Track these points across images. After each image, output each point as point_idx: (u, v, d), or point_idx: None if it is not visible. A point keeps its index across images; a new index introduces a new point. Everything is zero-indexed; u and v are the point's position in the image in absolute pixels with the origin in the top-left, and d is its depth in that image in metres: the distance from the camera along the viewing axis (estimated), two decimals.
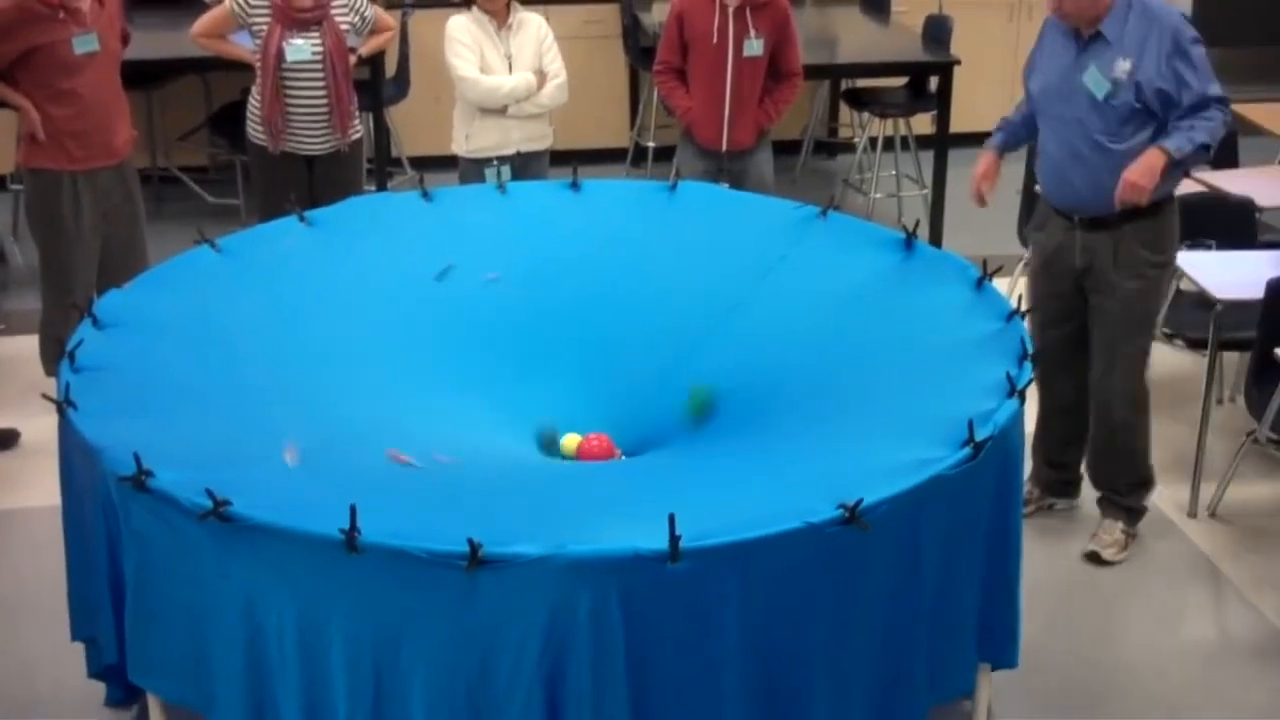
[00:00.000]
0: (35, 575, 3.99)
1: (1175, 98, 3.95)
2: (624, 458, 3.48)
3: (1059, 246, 4.22)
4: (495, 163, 5.26)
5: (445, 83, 5.38)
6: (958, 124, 6.67)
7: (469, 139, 5.30)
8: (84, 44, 4.72)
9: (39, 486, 4.41)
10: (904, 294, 3.58)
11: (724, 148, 5.37)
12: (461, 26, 5.24)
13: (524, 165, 5.28)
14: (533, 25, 5.31)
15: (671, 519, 2.46)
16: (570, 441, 3.48)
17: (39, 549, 4.05)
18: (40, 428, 4.71)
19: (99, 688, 3.37)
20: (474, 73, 5.19)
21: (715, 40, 5.25)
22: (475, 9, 5.22)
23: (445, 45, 5.24)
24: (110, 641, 3.01)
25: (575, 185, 4.09)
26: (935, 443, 2.84)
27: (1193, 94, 3.94)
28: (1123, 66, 3.95)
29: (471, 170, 5.33)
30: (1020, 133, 4.39)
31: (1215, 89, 3.98)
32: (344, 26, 5.27)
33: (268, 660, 2.70)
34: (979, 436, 2.81)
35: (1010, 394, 3.02)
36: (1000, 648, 3.19)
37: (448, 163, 5.44)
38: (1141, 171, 3.96)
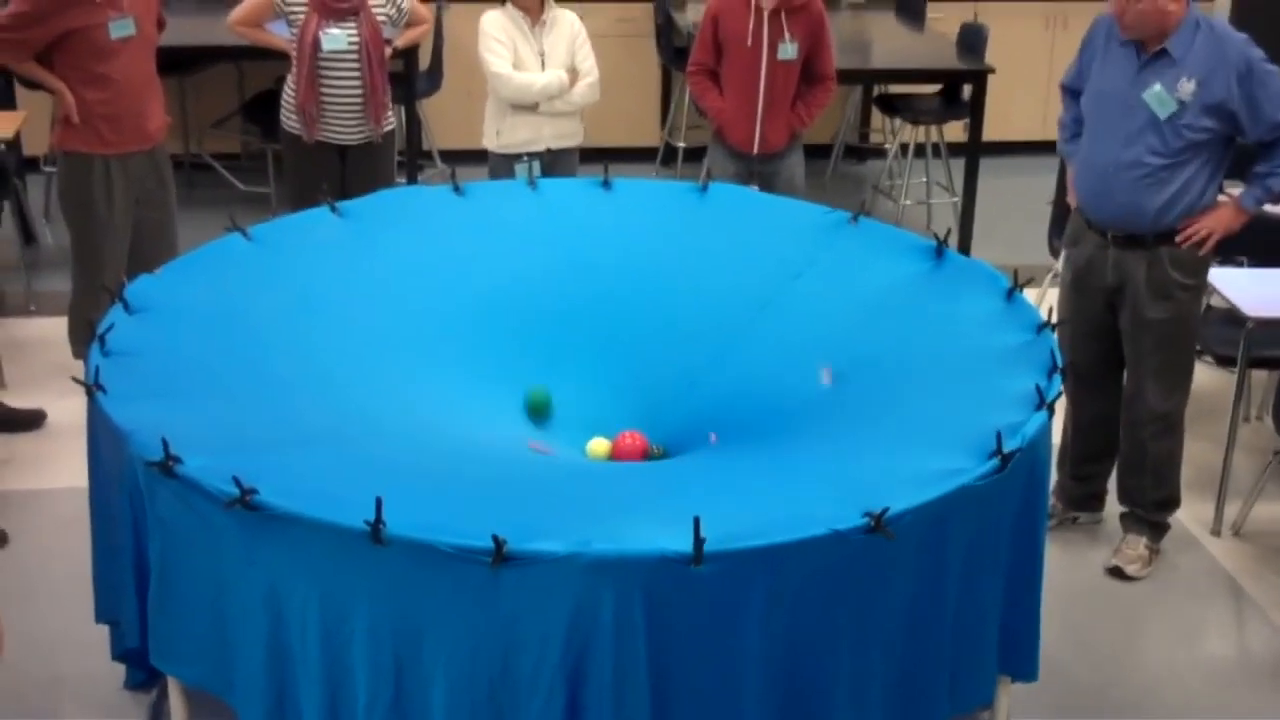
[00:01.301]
0: (61, 556, 4.01)
1: (1244, 123, 3.92)
2: (660, 452, 3.47)
3: (1091, 262, 4.21)
4: (525, 158, 5.27)
5: (478, 77, 5.39)
6: (990, 133, 6.66)
7: (500, 134, 5.31)
8: (120, 28, 4.74)
9: (65, 468, 4.44)
10: (933, 302, 3.57)
11: (755, 150, 5.36)
12: (495, 22, 5.25)
13: (554, 162, 5.29)
14: (566, 22, 5.32)
15: (696, 522, 2.46)
16: (599, 445, 3.48)
17: (65, 530, 4.07)
18: (67, 409, 4.74)
19: (122, 669, 3.39)
20: (507, 69, 5.19)
21: (750, 43, 5.24)
22: (510, 5, 5.23)
23: (479, 40, 5.25)
24: (133, 624, 3.02)
25: (606, 183, 4.08)
26: (963, 453, 2.83)
27: (1267, 120, 3.90)
28: (1188, 87, 3.90)
29: (501, 165, 5.34)
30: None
31: None
32: (380, 18, 5.28)
33: (289, 648, 2.70)
34: (1007, 448, 2.80)
35: (1039, 406, 3.01)
36: (1021, 660, 3.18)
37: (478, 157, 5.45)
38: (1213, 224, 4.01)
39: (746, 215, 4.02)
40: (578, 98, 5.29)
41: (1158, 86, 3.94)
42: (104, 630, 3.32)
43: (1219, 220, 4.06)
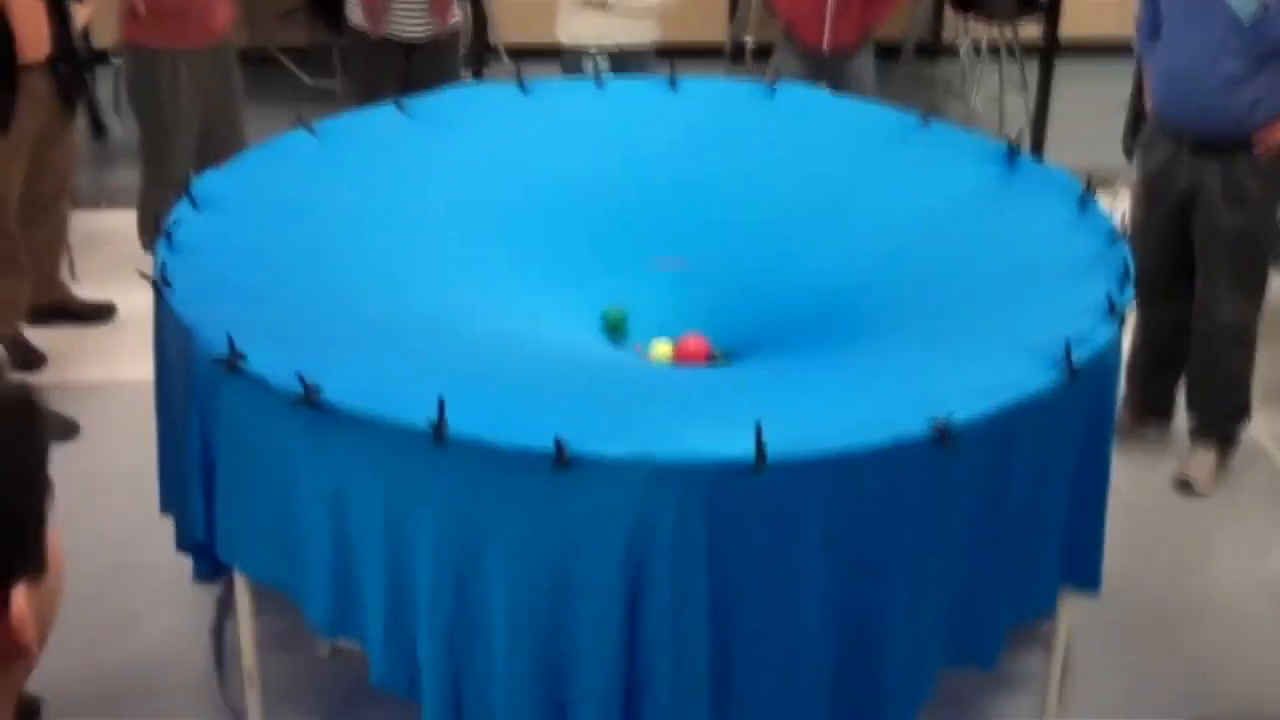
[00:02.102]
0: (130, 449, 4.05)
1: None
2: (719, 359, 3.45)
3: (1165, 167, 4.12)
4: (594, 53, 5.19)
5: None
6: (1066, 31, 6.49)
7: (570, 25, 5.24)
8: None
9: (133, 361, 4.47)
10: (1005, 209, 3.50)
11: (826, 47, 5.26)
12: None
13: (624, 60, 5.20)
14: None
15: (758, 429, 2.44)
16: (662, 348, 3.46)
17: (134, 422, 4.11)
18: (136, 302, 4.76)
19: (189, 561, 3.44)
20: None
21: None
22: None
23: None
24: (199, 519, 3.05)
25: (673, 82, 4.03)
26: (1031, 363, 2.79)
27: None
28: None
29: (571, 61, 5.27)
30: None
31: None
32: None
33: (353, 546, 2.73)
34: (1076, 359, 2.76)
35: (1110, 315, 2.95)
36: (1084, 571, 3.15)
37: (547, 54, 5.39)
38: None
39: (815, 117, 3.95)
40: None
41: None
42: (171, 523, 3.36)
43: None
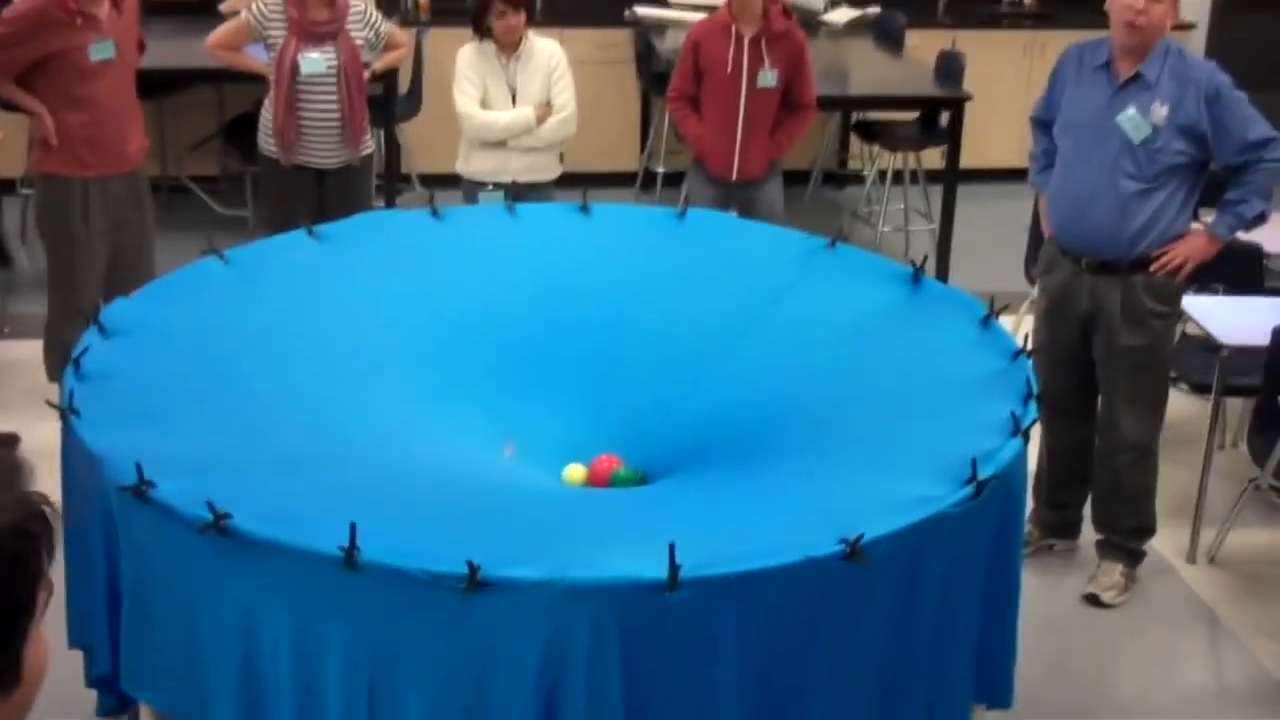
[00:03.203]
0: None
1: (1213, 146, 3.96)
2: (636, 476, 3.45)
3: (1066, 289, 4.23)
4: (490, 188, 5.24)
5: None
6: (968, 159, 6.70)
7: (468, 161, 5.31)
8: (100, 51, 4.73)
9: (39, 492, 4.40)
10: (910, 328, 3.57)
11: (734, 176, 5.38)
12: (466, 58, 5.23)
13: (521, 195, 5.24)
14: (543, 55, 5.26)
15: (671, 548, 2.45)
16: (574, 472, 3.47)
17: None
18: (42, 433, 4.68)
19: (94, 696, 3.36)
20: (471, 107, 5.18)
21: (730, 69, 5.27)
22: (483, 39, 5.20)
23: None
24: (105, 650, 3.00)
25: (585, 208, 4.09)
26: (938, 480, 2.83)
27: (1235, 142, 3.94)
28: (1160, 111, 3.94)
29: (470, 191, 5.33)
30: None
31: (1259, 131, 3.96)
32: (358, 41, 5.28)
33: (262, 673, 2.68)
34: (982, 475, 2.80)
35: (1014, 433, 3.01)
36: (996, 688, 3.18)
37: (457, 181, 5.45)
38: (1187, 251, 4.03)
39: (724, 241, 4.02)
40: (547, 134, 5.25)
41: (1132, 110, 3.97)
42: (78, 656, 3.29)
43: (1192, 248, 4.08)
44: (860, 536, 2.58)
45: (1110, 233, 4.08)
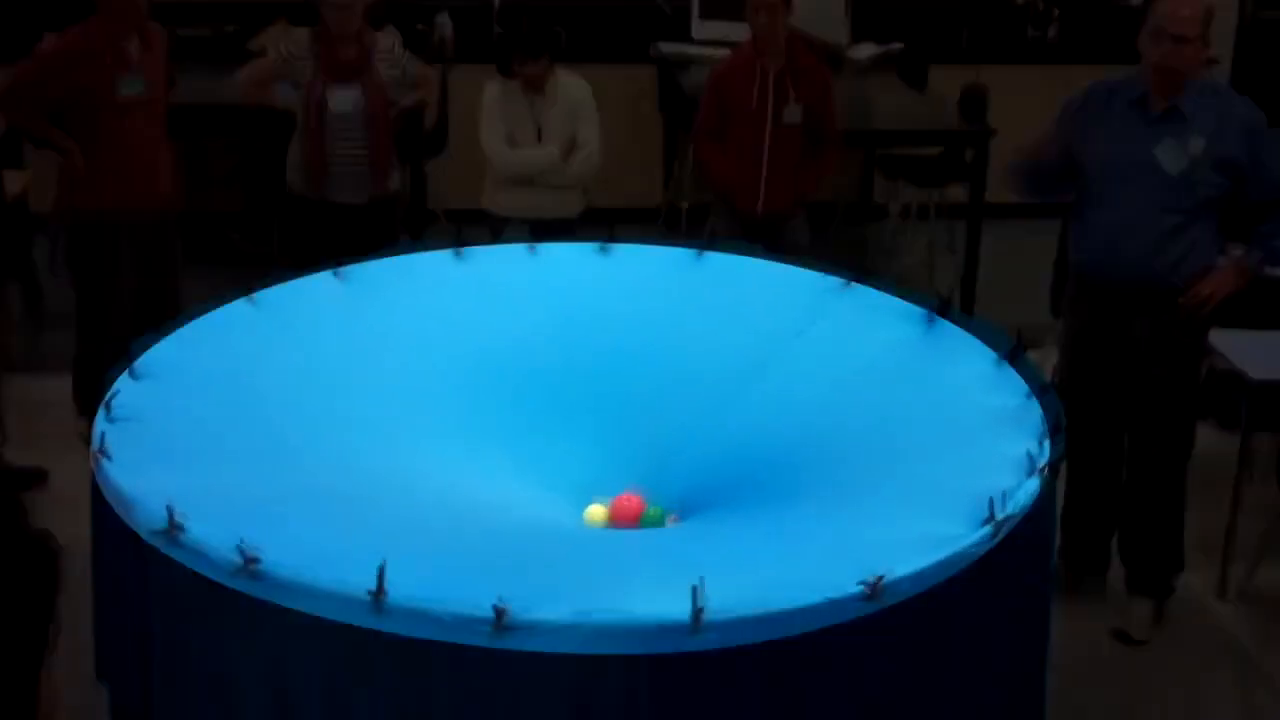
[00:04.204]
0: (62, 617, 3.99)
1: (1249, 181, 3.96)
2: (658, 514, 3.46)
3: (1092, 323, 4.22)
4: (515, 223, 5.27)
5: None
6: (992, 195, 6.68)
7: (494, 197, 5.34)
8: (130, 86, 4.78)
9: (64, 529, 4.41)
10: (934, 364, 3.57)
11: (760, 211, 5.38)
12: (492, 94, 5.28)
13: (547, 231, 5.26)
14: (569, 92, 5.31)
15: (695, 590, 2.45)
16: (596, 513, 3.47)
17: (66, 591, 4.05)
18: (69, 468, 4.73)
19: None
20: (499, 144, 5.22)
21: (754, 106, 5.28)
22: (509, 77, 5.25)
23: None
24: (133, 685, 3.01)
25: (604, 248, 4.10)
26: (958, 519, 2.82)
27: (1271, 179, 3.94)
28: (1198, 143, 3.95)
29: (497, 227, 5.36)
30: (1044, 172, 4.30)
31: None
32: (386, 79, 5.31)
33: (292, 705, 2.69)
34: (1003, 513, 2.79)
35: (1036, 471, 3.00)
36: None
37: (483, 217, 5.47)
38: (1217, 285, 4.01)
39: (743, 279, 4.02)
40: (573, 171, 5.29)
41: (1167, 141, 3.97)
42: (103, 692, 3.30)
43: (1222, 281, 4.07)
44: (880, 578, 2.57)
45: (1146, 265, 4.07)
